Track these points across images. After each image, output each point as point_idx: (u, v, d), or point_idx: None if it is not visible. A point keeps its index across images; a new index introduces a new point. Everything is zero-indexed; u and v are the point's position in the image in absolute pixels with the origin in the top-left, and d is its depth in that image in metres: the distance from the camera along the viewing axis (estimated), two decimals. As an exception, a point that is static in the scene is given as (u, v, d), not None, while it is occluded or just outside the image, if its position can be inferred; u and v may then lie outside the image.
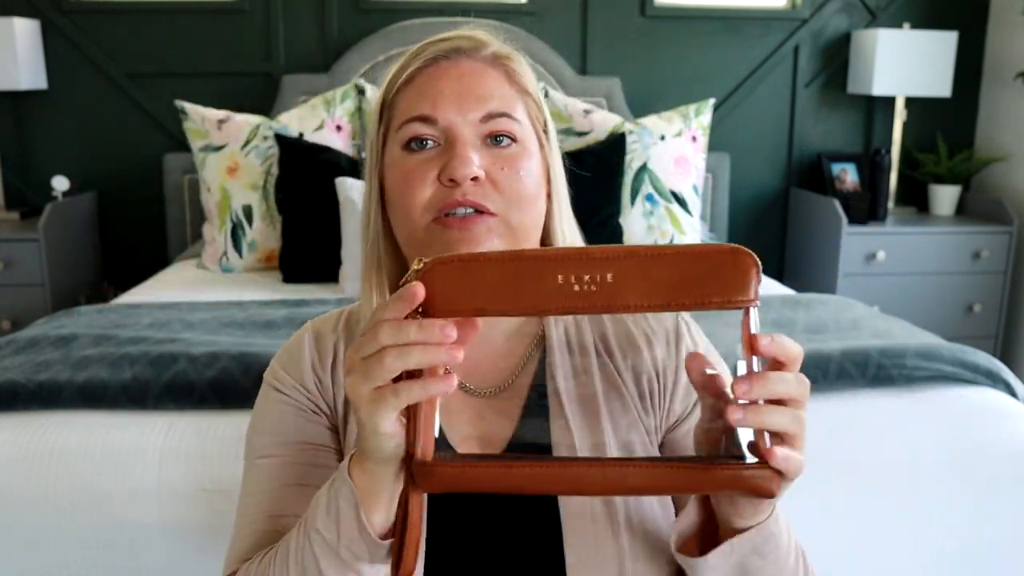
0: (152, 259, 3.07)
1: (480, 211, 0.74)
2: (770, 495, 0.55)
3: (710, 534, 0.67)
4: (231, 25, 2.98)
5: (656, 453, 0.80)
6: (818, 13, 3.13)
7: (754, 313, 0.54)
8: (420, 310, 0.55)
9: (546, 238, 0.84)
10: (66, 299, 2.76)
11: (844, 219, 2.85)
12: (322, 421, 0.83)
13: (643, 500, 0.77)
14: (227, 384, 1.40)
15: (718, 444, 0.61)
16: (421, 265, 0.56)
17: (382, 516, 0.64)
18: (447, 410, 0.80)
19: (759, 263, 0.53)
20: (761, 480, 0.54)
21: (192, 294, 2.21)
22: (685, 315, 0.84)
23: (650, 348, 0.81)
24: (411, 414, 0.57)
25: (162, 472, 1.29)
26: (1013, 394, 1.54)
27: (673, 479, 0.54)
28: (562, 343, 0.82)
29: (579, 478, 0.55)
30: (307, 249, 2.39)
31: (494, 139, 0.77)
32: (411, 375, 0.56)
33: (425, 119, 0.76)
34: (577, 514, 0.75)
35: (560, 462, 0.56)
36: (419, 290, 0.55)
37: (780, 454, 0.55)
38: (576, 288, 0.53)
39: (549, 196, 0.82)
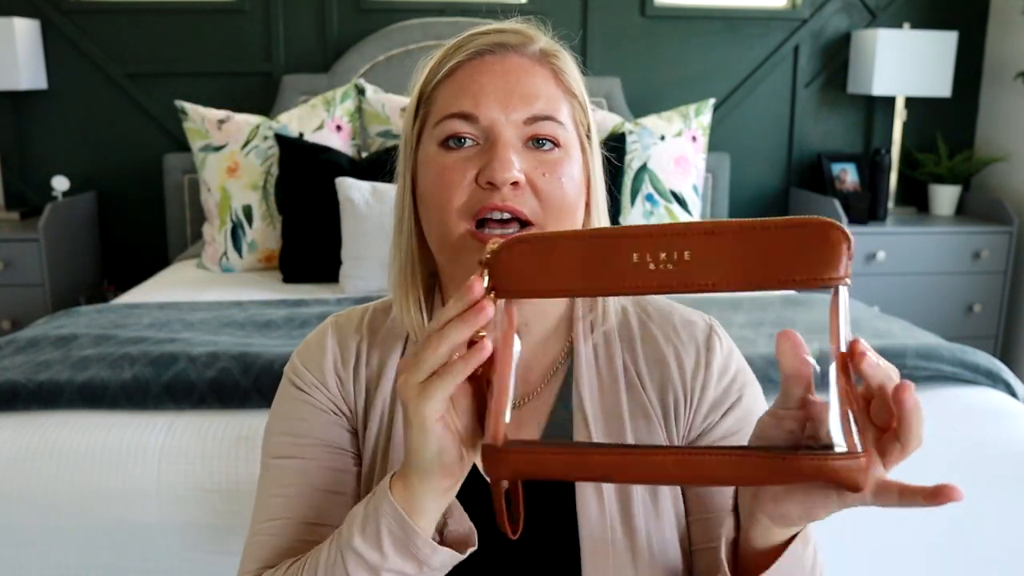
0: (152, 259, 3.07)
1: (516, 218, 0.71)
2: (856, 488, 0.50)
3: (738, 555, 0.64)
4: (231, 25, 2.98)
5: None
6: (818, 13, 3.13)
7: (844, 292, 0.50)
8: (492, 289, 0.55)
9: None
10: (66, 299, 2.76)
11: (844, 219, 2.85)
12: (342, 423, 0.81)
13: (664, 526, 0.75)
14: (227, 384, 1.40)
15: (788, 435, 0.57)
16: (495, 245, 0.54)
17: (424, 530, 0.63)
18: None
19: (851, 237, 0.49)
20: (850, 471, 0.49)
21: (192, 294, 2.21)
22: (717, 328, 0.81)
23: (678, 361, 0.78)
24: (483, 392, 0.57)
25: (162, 472, 1.29)
26: (1013, 394, 1.54)
27: (754, 469, 0.51)
28: (590, 358, 0.79)
29: (656, 467, 0.52)
30: (307, 249, 2.39)
31: (536, 142, 0.73)
32: None
33: (466, 116, 0.72)
34: (598, 539, 0.74)
35: (637, 450, 0.53)
36: (476, 286, 0.54)
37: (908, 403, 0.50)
38: (652, 267, 0.51)
39: (587, 204, 0.78)
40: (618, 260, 0.51)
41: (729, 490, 0.73)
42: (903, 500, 0.52)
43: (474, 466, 0.77)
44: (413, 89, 0.78)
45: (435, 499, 0.61)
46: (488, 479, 0.58)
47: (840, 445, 0.50)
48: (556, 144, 0.73)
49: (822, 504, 0.54)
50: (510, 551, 0.75)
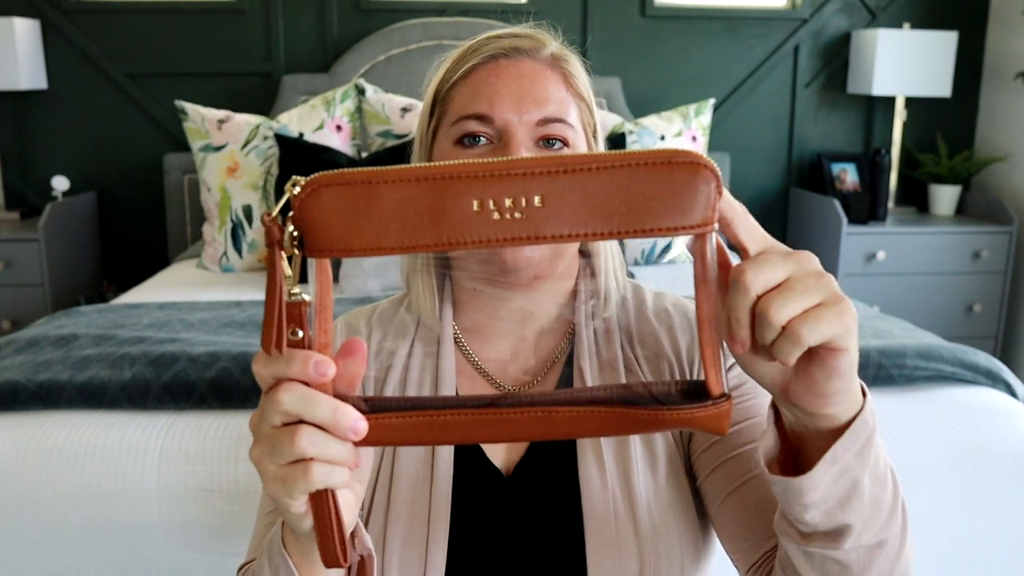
0: (152, 259, 3.07)
1: None
2: (721, 432, 0.49)
3: (799, 455, 0.58)
4: (231, 25, 2.98)
5: (672, 443, 0.79)
6: (818, 13, 3.13)
7: (712, 240, 0.46)
8: (297, 243, 0.46)
9: (588, 244, 0.83)
10: (66, 299, 2.76)
11: (844, 219, 2.85)
12: None
13: (668, 515, 0.76)
14: (227, 384, 1.40)
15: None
16: (297, 187, 0.45)
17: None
18: None
19: (719, 175, 0.44)
20: (714, 418, 0.47)
21: (192, 294, 2.21)
22: None
23: (671, 336, 0.81)
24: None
25: (162, 472, 1.29)
26: (1013, 394, 1.54)
27: (619, 423, 0.48)
28: (591, 343, 0.82)
29: (517, 425, 0.48)
30: (307, 249, 2.39)
31: (546, 142, 0.76)
32: None
33: (481, 117, 0.75)
34: (600, 513, 0.75)
35: (495, 410, 0.48)
36: (325, 363, 0.47)
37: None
38: (496, 216, 0.43)
39: None
40: (455, 208, 0.43)
41: (754, 427, 0.73)
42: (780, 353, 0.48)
43: (483, 460, 0.78)
44: (428, 88, 0.81)
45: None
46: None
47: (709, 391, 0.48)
48: (565, 144, 0.77)
49: (839, 365, 0.49)
50: (514, 528, 0.76)
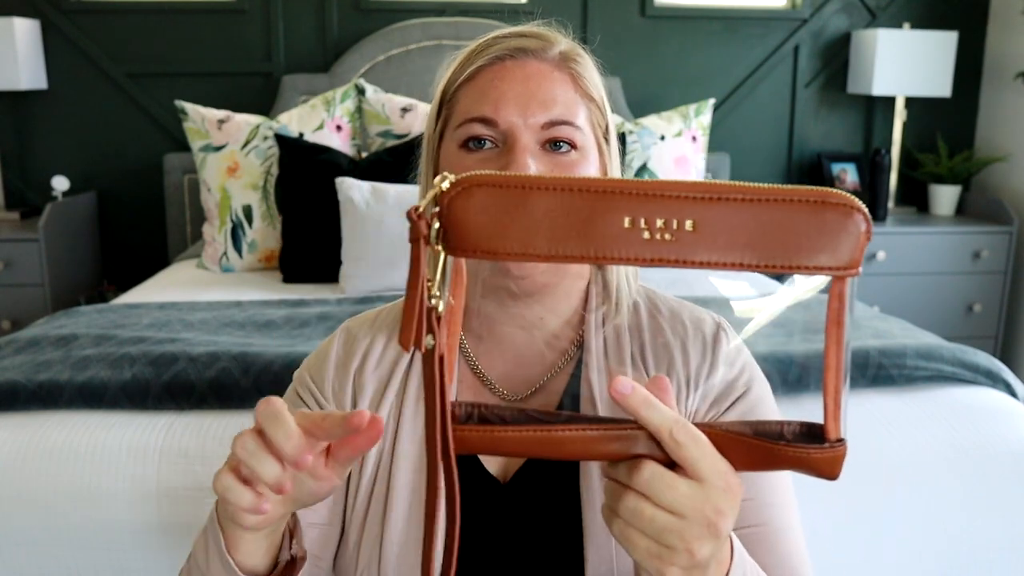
0: (152, 259, 3.07)
1: None
2: (833, 477, 0.49)
3: None
4: (231, 25, 2.98)
5: None
6: (818, 13, 3.13)
7: (853, 285, 0.45)
8: (441, 238, 0.45)
9: None
10: (66, 299, 2.76)
11: (844, 219, 2.85)
12: None
13: None
14: (227, 384, 1.40)
15: None
16: (445, 184, 0.44)
17: (248, 554, 0.64)
18: None
19: (870, 222, 0.43)
20: (831, 461, 0.48)
21: (192, 294, 2.21)
22: (726, 326, 0.81)
23: (684, 352, 0.79)
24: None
25: (162, 472, 1.29)
26: (1013, 394, 1.54)
27: (732, 451, 0.49)
28: (600, 349, 0.80)
29: (628, 441, 0.49)
30: (307, 249, 2.39)
31: (553, 145, 0.75)
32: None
33: (486, 121, 0.74)
34: (603, 532, 0.74)
35: (591, 424, 0.49)
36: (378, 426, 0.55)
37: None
38: (646, 235, 0.43)
39: None
40: (606, 223, 0.43)
41: (745, 512, 0.73)
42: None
43: (479, 468, 0.78)
44: (435, 89, 0.80)
45: (262, 535, 0.64)
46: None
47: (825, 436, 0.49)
48: (573, 147, 0.75)
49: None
50: (515, 537, 0.76)
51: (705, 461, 0.49)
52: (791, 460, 0.48)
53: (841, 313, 0.46)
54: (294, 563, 0.67)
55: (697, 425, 0.50)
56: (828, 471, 0.48)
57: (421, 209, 0.45)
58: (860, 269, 0.44)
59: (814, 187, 0.43)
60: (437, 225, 0.44)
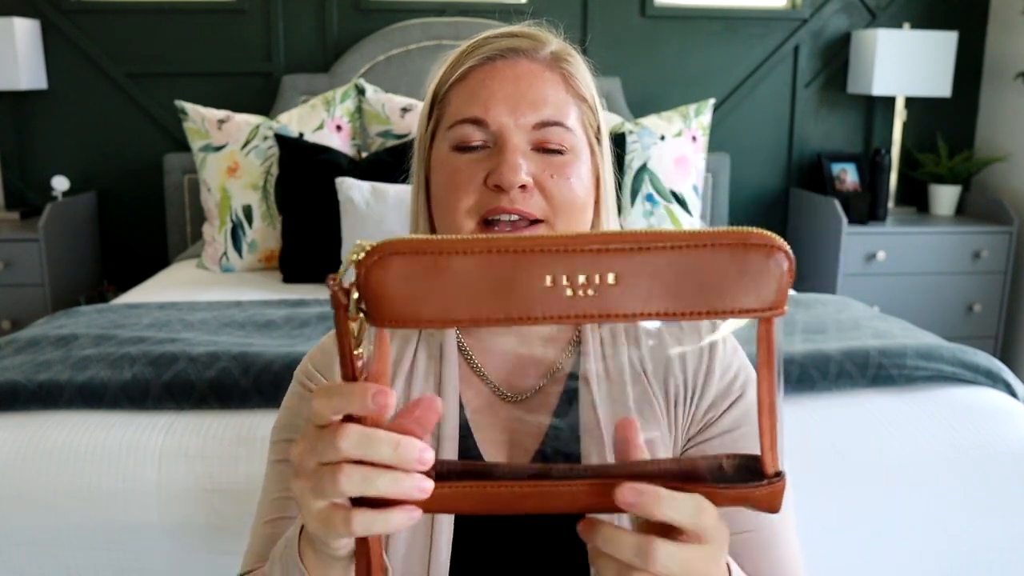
0: (152, 259, 3.07)
1: (525, 218, 0.72)
2: (774, 511, 0.49)
3: None
4: (231, 25, 2.98)
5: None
6: (818, 13, 3.13)
7: (779, 325, 0.46)
8: (363, 310, 0.44)
9: None
10: (66, 299, 2.76)
11: (844, 219, 2.85)
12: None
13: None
14: (227, 384, 1.40)
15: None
16: (361, 254, 0.44)
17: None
18: (478, 412, 0.79)
19: (793, 260, 0.44)
20: (772, 495, 0.49)
21: (192, 294, 2.21)
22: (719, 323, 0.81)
23: (681, 356, 0.79)
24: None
25: (162, 472, 1.29)
26: (1013, 394, 1.54)
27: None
28: (597, 351, 0.80)
29: (564, 497, 0.48)
30: (307, 249, 2.39)
31: (545, 145, 0.74)
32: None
33: (477, 121, 0.74)
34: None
35: (545, 481, 0.48)
36: (389, 400, 0.46)
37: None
38: (568, 293, 0.43)
39: (597, 203, 0.79)
40: (527, 283, 0.43)
41: (745, 547, 0.73)
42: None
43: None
44: (427, 90, 0.80)
45: (345, 567, 0.56)
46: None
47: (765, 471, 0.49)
48: (564, 148, 0.75)
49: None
50: (519, 541, 0.76)
51: (714, 526, 0.50)
52: (732, 499, 0.49)
53: (770, 354, 0.46)
54: None
55: (631, 467, 0.49)
56: (768, 505, 0.49)
57: (338, 277, 0.45)
58: (785, 308, 0.44)
59: (736, 228, 0.44)
60: (356, 296, 0.44)
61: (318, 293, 2.24)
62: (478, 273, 0.43)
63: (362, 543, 0.52)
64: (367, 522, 0.47)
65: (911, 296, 2.92)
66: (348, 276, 0.45)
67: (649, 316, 0.43)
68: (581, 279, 0.43)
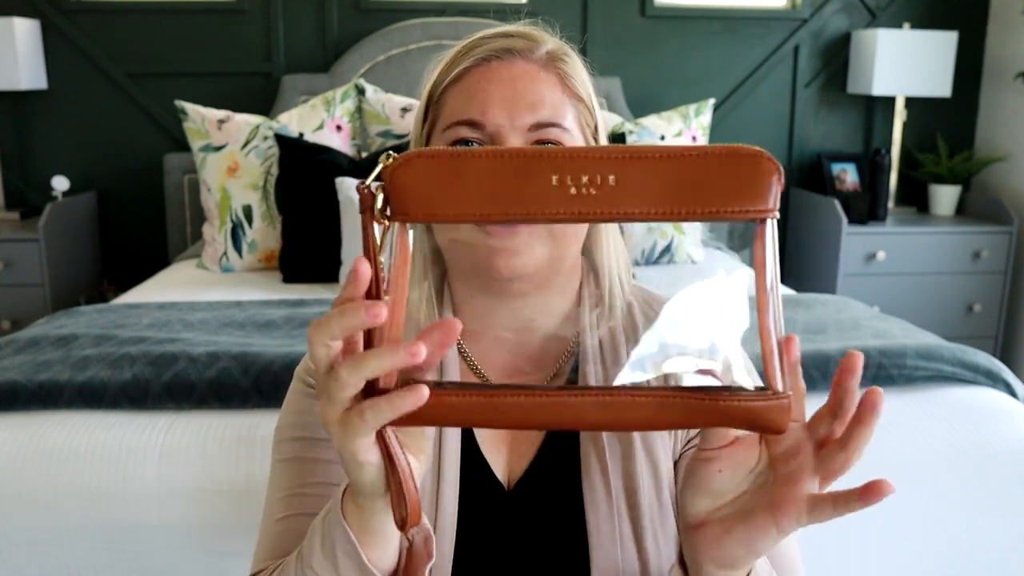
0: (152, 259, 3.07)
1: None
2: (779, 430, 0.49)
3: None
4: (231, 25, 2.98)
5: (671, 468, 0.78)
6: (818, 13, 3.13)
7: (771, 225, 0.48)
8: (388, 212, 0.48)
9: (589, 247, 0.81)
10: (66, 299, 2.76)
11: (844, 219, 2.85)
12: None
13: (672, 536, 0.75)
14: (227, 384, 1.40)
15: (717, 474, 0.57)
16: (391, 160, 0.48)
17: (381, 551, 0.59)
18: None
19: (781, 169, 0.47)
20: (773, 411, 0.48)
21: (192, 294, 2.21)
22: None
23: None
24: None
25: (162, 472, 1.29)
26: (1013, 394, 1.54)
27: (676, 410, 0.49)
28: (595, 351, 0.79)
29: (574, 409, 0.49)
30: (307, 249, 2.39)
31: (541, 145, 0.74)
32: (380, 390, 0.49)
33: (472, 123, 0.73)
34: (607, 538, 0.74)
35: (553, 391, 0.50)
36: (363, 267, 0.48)
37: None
38: (573, 191, 0.46)
39: None
40: (536, 182, 0.47)
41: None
42: (837, 508, 0.52)
43: (485, 473, 0.77)
44: (422, 90, 0.79)
45: (388, 517, 0.57)
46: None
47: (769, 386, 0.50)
48: None
49: (762, 537, 0.54)
50: (517, 543, 0.76)
51: None
52: (739, 412, 0.49)
53: (764, 255, 0.48)
54: (414, 553, 0.63)
55: (624, 390, 0.50)
56: (777, 422, 0.49)
57: (367, 182, 0.49)
58: (777, 213, 0.47)
59: (724, 145, 0.47)
60: (382, 196, 0.48)
61: (318, 293, 2.24)
62: (492, 172, 0.47)
63: (395, 479, 0.54)
64: (376, 408, 0.49)
65: (911, 296, 2.92)
66: (376, 183, 0.49)
67: (649, 216, 0.47)
68: (584, 179, 0.46)
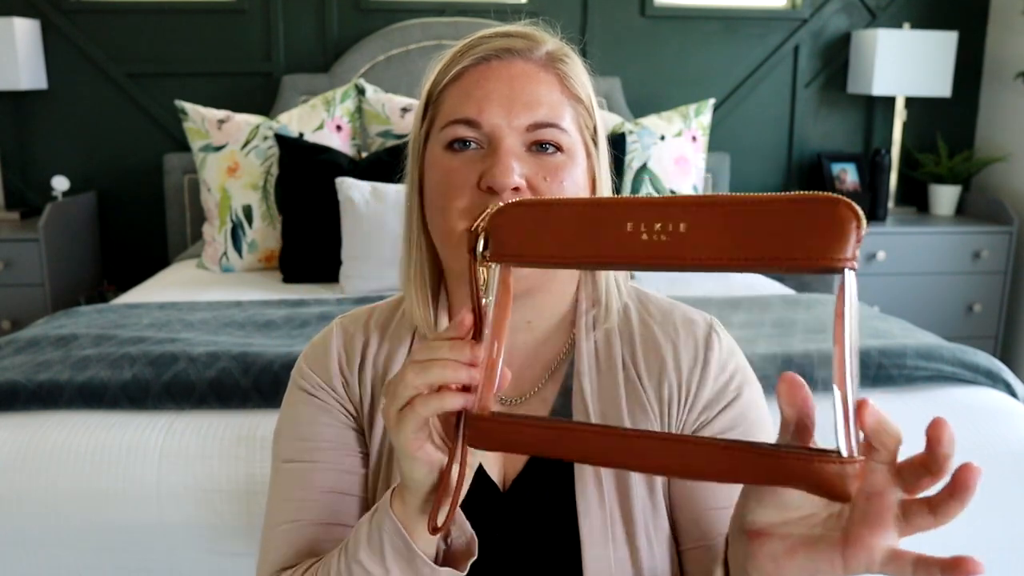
0: (152, 259, 3.07)
1: None
2: (845, 497, 0.46)
3: None
4: (231, 25, 2.98)
5: None
6: (818, 13, 3.13)
7: (850, 277, 0.45)
8: (486, 253, 0.55)
9: None
10: (66, 299, 2.76)
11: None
12: (350, 423, 0.81)
13: (665, 539, 0.75)
14: (227, 384, 1.40)
15: None
16: (493, 208, 0.55)
17: (424, 544, 0.64)
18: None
19: (861, 216, 0.44)
20: (841, 477, 0.45)
21: (192, 294, 2.21)
22: (718, 327, 0.80)
23: (676, 357, 0.78)
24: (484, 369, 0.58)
25: (162, 472, 1.29)
26: (1013, 394, 1.54)
27: (740, 463, 0.47)
28: (591, 354, 0.79)
29: (639, 451, 0.50)
30: (307, 249, 2.39)
31: (539, 147, 0.74)
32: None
33: (469, 122, 0.73)
34: (599, 540, 0.74)
35: (620, 432, 0.51)
36: (468, 319, 0.57)
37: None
38: (644, 237, 0.48)
39: None
40: (612, 228, 0.50)
41: (724, 521, 0.73)
42: (917, 573, 0.49)
43: (480, 473, 0.77)
44: (422, 89, 0.79)
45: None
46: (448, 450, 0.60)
47: (837, 448, 0.46)
48: (559, 150, 0.74)
49: (826, 569, 0.51)
50: (510, 544, 0.76)
51: None
52: (800, 472, 0.46)
53: (841, 306, 0.45)
54: (452, 556, 0.68)
55: (692, 438, 0.50)
56: (840, 489, 0.46)
57: (475, 227, 0.55)
58: (856, 264, 0.44)
59: (805, 192, 0.45)
60: (483, 238, 0.54)
61: (318, 293, 2.24)
62: (574, 219, 0.51)
63: (444, 479, 0.60)
64: (427, 402, 0.57)
65: (911, 296, 2.92)
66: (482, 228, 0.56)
67: (719, 262, 0.46)
68: (656, 226, 0.48)
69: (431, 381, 0.56)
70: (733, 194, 0.47)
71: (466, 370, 0.56)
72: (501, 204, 0.54)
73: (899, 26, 3.11)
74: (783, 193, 0.45)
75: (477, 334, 0.57)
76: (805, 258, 0.44)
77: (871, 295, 2.88)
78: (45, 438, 1.33)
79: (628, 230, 0.49)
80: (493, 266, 0.55)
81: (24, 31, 2.76)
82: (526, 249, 0.53)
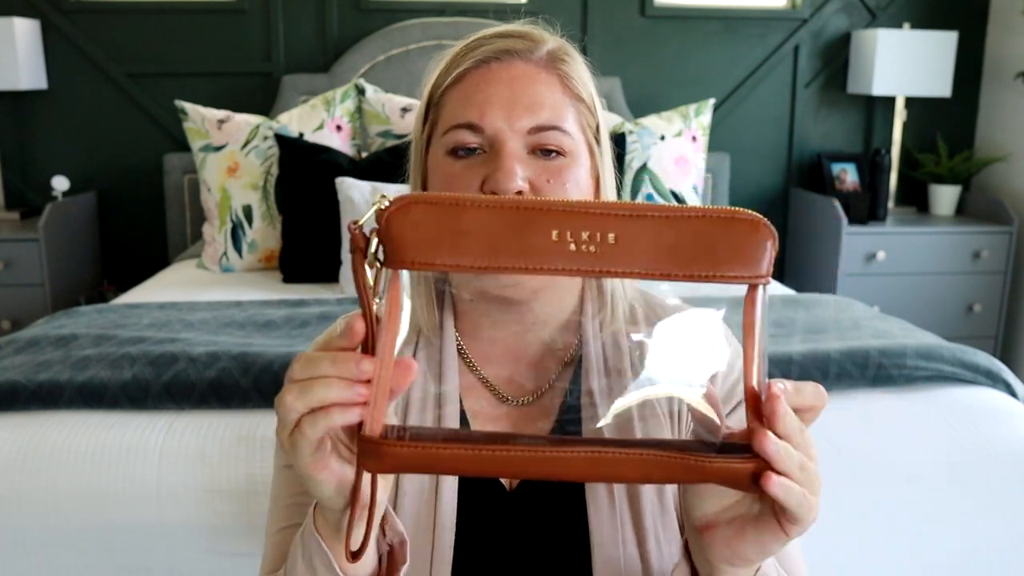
0: (152, 259, 3.07)
1: None
2: (747, 488, 0.51)
3: None
4: (231, 25, 2.98)
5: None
6: (818, 13, 3.13)
7: (762, 291, 0.49)
8: (381, 257, 0.48)
9: None
10: (66, 299, 2.76)
11: (844, 219, 2.85)
12: None
13: (674, 539, 0.75)
14: (227, 384, 1.40)
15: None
16: (385, 203, 0.47)
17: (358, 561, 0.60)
18: (479, 416, 0.79)
19: (776, 235, 0.48)
20: (733, 471, 0.50)
21: (192, 294, 2.21)
22: (725, 328, 0.81)
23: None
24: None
25: (162, 472, 1.29)
26: (1013, 394, 1.54)
27: (665, 469, 0.49)
28: (599, 355, 0.79)
29: (563, 464, 0.49)
30: (307, 249, 2.39)
31: (542, 151, 0.73)
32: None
33: (471, 127, 0.72)
34: (609, 542, 0.74)
35: (542, 446, 0.49)
36: (358, 325, 0.49)
37: (776, 482, 0.50)
38: (572, 247, 0.46)
39: None
40: (536, 236, 0.46)
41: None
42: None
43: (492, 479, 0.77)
44: (422, 92, 0.78)
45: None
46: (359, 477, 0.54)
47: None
48: (561, 152, 0.74)
49: (772, 539, 0.55)
50: (518, 544, 0.76)
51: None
52: (722, 472, 0.50)
53: (753, 318, 0.49)
54: (393, 551, 0.64)
55: (621, 446, 0.50)
56: (741, 483, 0.50)
57: (360, 223, 0.48)
58: (770, 279, 0.48)
59: (726, 208, 0.47)
60: (376, 241, 0.48)
61: (318, 293, 2.24)
62: (491, 224, 0.46)
63: (355, 497, 0.55)
64: (312, 421, 0.50)
65: (911, 296, 2.92)
66: (369, 224, 0.49)
67: (645, 275, 0.47)
68: (584, 235, 0.46)
69: (311, 404, 0.50)
70: (659, 204, 0.48)
71: (351, 388, 0.49)
72: (390, 199, 0.47)
73: (899, 26, 3.11)
74: (707, 207, 0.47)
75: (370, 344, 0.50)
76: (726, 274, 0.47)
77: (871, 295, 2.88)
78: (45, 438, 1.33)
79: (554, 239, 0.46)
80: (379, 267, 0.48)
81: (24, 31, 2.76)
82: (432, 253, 0.47)
